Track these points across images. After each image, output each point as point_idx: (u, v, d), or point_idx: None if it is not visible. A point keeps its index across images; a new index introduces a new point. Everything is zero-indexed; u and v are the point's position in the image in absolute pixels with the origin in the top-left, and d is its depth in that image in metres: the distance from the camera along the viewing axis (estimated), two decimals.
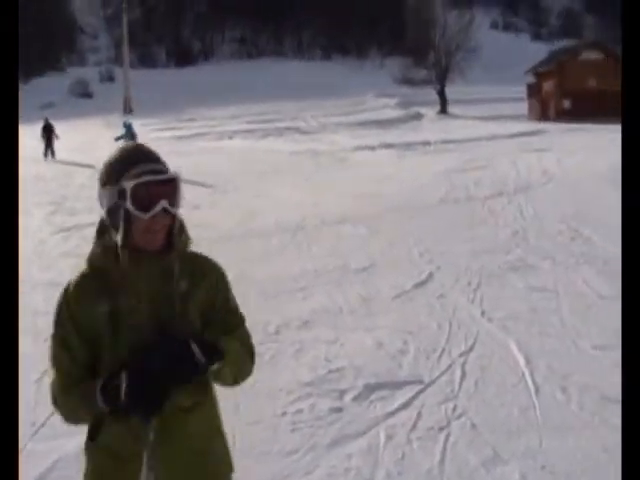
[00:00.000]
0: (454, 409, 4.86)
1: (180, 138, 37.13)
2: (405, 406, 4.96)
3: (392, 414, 4.85)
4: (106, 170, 2.07)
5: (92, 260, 2.11)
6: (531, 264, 9.47)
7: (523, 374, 5.45)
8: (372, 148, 30.51)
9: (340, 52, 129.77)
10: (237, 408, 4.83)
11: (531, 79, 57.33)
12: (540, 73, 55.16)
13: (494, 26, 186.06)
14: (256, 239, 11.60)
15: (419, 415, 4.80)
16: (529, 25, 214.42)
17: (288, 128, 43.97)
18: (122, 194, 1.97)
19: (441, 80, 59.71)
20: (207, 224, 13.16)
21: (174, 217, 2.08)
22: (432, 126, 45.22)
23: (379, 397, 5.07)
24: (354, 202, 14.93)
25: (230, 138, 38.96)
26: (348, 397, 5.09)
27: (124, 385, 1.87)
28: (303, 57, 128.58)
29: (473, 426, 4.62)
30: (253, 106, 60.60)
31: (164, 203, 1.98)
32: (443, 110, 58.18)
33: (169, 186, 2.03)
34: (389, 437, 4.51)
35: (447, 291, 8.19)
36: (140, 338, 2.01)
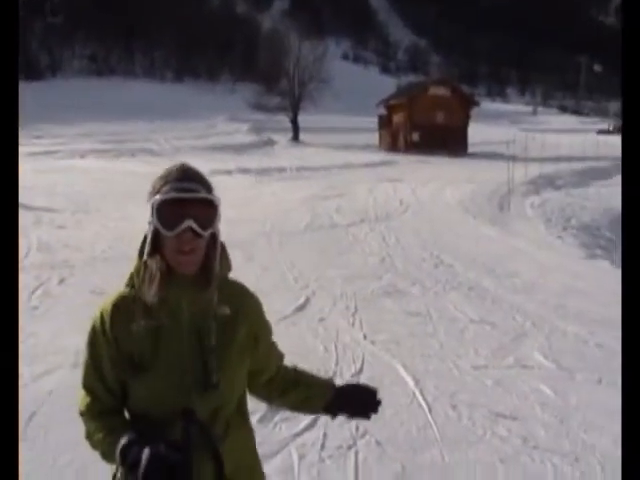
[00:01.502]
0: (357, 429, 5.08)
1: (29, 155, 35.83)
2: (310, 427, 5.12)
3: (299, 434, 5.01)
4: (151, 187, 2.07)
5: (131, 280, 2.10)
6: (402, 289, 9.89)
7: (414, 394, 5.76)
8: (229, 172, 30.59)
9: (191, 74, 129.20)
10: None
11: (382, 111, 59.02)
12: (391, 105, 56.95)
13: (345, 57, 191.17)
14: (131, 261, 11.44)
15: (325, 435, 4.99)
16: (378, 58, 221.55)
17: (141, 149, 43.31)
18: (152, 210, 1.99)
19: (294, 108, 60.50)
20: (77, 245, 12.90)
21: (213, 240, 2.09)
22: (285, 153, 45.73)
23: (283, 418, 5.20)
24: (225, 226, 14.98)
25: (82, 157, 37.98)
26: (253, 418, 5.20)
27: (142, 467, 1.83)
28: (154, 77, 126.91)
29: (378, 443, 4.86)
30: (104, 125, 59.24)
31: (190, 222, 1.95)
32: (295, 137, 58.94)
33: (198, 207, 1.99)
34: (301, 456, 4.67)
35: (327, 315, 8.43)
36: (180, 360, 2.03)
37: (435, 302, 9.20)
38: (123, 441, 1.92)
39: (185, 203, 1.97)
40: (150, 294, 2.02)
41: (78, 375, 5.35)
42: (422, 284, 10.25)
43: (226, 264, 2.19)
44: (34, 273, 10.43)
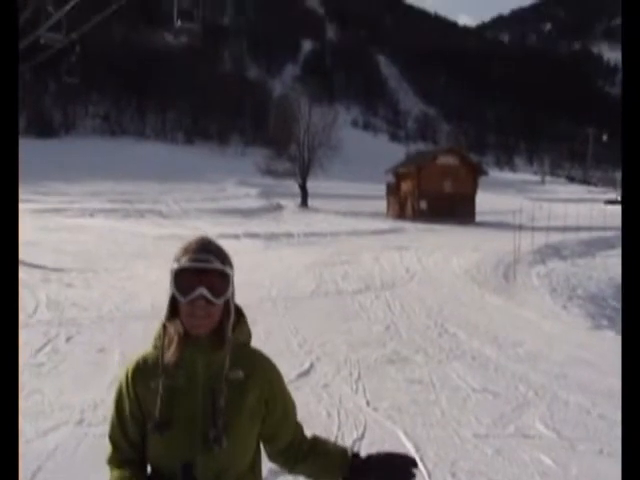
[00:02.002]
0: None
1: (36, 212, 36.26)
2: None
3: None
4: (174, 257, 2.25)
5: (155, 340, 2.28)
6: (406, 357, 9.95)
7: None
8: (237, 237, 30.87)
9: (202, 137, 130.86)
10: None
11: (390, 178, 59.56)
12: (399, 173, 57.51)
13: (354, 124, 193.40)
14: (138, 322, 11.56)
15: None
16: (387, 126, 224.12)
17: (150, 210, 43.78)
18: (170, 278, 2.18)
19: (303, 174, 61.11)
20: (85, 305, 13.04)
21: (226, 308, 2.24)
22: (294, 218, 46.09)
23: None
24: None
25: (91, 216, 38.40)
26: None
27: None
28: (165, 139, 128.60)
29: None
30: (114, 185, 59.92)
31: (202, 290, 2.12)
32: (304, 203, 59.44)
33: (211, 276, 2.16)
34: None
35: (330, 381, 8.50)
36: (192, 419, 2.18)
37: (438, 370, 9.26)
38: None
39: (199, 273, 2.15)
40: (169, 355, 2.20)
41: (82, 431, 5.47)
42: (425, 352, 10.32)
43: (245, 331, 2.36)
44: (42, 330, 10.58)
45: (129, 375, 2.27)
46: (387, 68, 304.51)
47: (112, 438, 2.33)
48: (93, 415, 6.82)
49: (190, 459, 2.14)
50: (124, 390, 2.27)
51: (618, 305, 17.56)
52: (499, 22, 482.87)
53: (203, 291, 2.13)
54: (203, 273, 2.16)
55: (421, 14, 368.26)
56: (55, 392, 7.54)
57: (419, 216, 50.00)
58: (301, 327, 11.78)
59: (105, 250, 22.90)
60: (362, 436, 6.40)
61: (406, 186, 54.96)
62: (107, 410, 6.93)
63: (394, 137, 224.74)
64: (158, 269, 18.52)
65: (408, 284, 17.99)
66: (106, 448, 2.35)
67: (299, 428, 2.51)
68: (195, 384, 2.21)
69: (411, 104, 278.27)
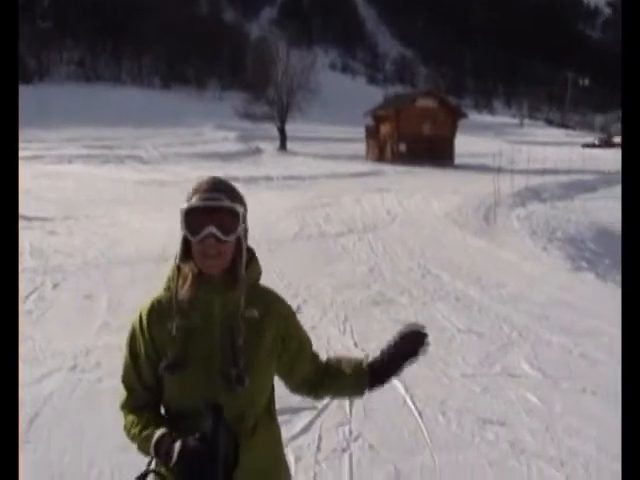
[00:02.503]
0: (350, 432, 5.25)
1: None
2: (305, 430, 5.28)
3: (295, 438, 5.16)
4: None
5: (168, 283, 2.26)
6: (391, 299, 10.05)
7: (405, 400, 5.92)
8: None
9: (179, 81, 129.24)
10: None
11: (369, 121, 59.28)
12: (378, 116, 57.21)
13: (332, 67, 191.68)
14: (123, 267, 11.59)
15: (320, 438, 5.16)
16: (365, 68, 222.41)
17: (129, 156, 43.41)
18: (180, 219, 2.15)
19: (282, 117, 60.67)
20: (69, 252, 13.00)
21: (238, 245, 2.23)
22: (273, 162, 45.91)
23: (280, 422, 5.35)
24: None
25: (70, 162, 38.01)
26: None
27: (174, 459, 2.00)
28: (142, 84, 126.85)
29: (371, 447, 5.02)
30: (90, 131, 59.24)
31: (211, 229, 2.09)
32: (283, 146, 59.14)
33: (221, 214, 2.13)
34: (298, 459, 4.82)
35: (317, 323, 8.57)
36: (210, 359, 2.18)
37: (423, 311, 9.37)
38: (157, 435, 2.12)
39: (209, 211, 2.13)
40: (183, 295, 2.19)
41: (76, 377, 5.50)
42: (410, 293, 10.42)
43: (256, 270, 2.36)
44: (28, 277, 10.54)
45: (144, 317, 2.25)
46: (365, 10, 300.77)
47: (126, 382, 2.31)
48: (85, 361, 6.87)
49: (211, 398, 2.12)
50: (138, 332, 2.26)
51: (597, 248, 17.78)
52: None
53: (212, 229, 2.11)
54: (213, 211, 2.13)
55: None
56: (46, 339, 7.57)
57: (398, 159, 49.89)
58: (286, 270, 11.80)
59: (85, 197, 22.73)
60: None
61: (385, 129, 54.72)
62: (99, 356, 7.01)
63: (372, 80, 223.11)
64: (140, 215, 18.51)
65: (390, 226, 18.08)
66: (119, 393, 2.34)
67: (315, 359, 2.56)
68: (211, 324, 2.21)
69: (389, 46, 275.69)
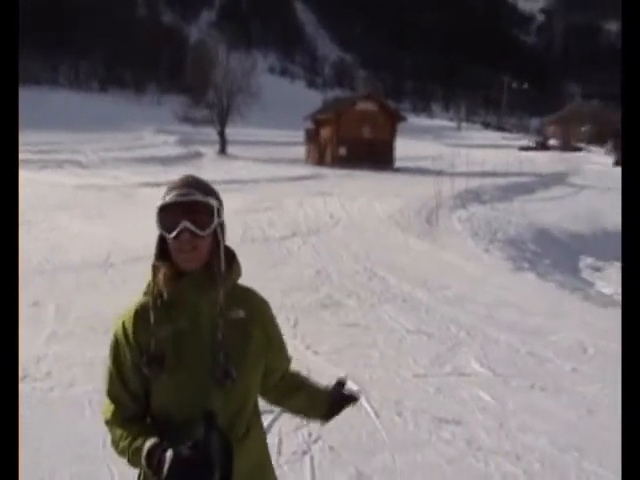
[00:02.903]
0: (309, 434, 5.28)
1: None
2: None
3: None
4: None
5: (150, 287, 2.22)
6: (339, 301, 10.12)
7: (361, 402, 5.97)
8: (158, 185, 30.43)
9: (117, 85, 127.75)
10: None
11: (309, 125, 59.31)
12: (318, 120, 57.21)
13: (271, 71, 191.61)
14: (68, 273, 11.40)
15: (280, 441, 5.17)
16: (305, 72, 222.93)
17: (67, 161, 42.68)
18: (155, 217, 2.15)
19: (222, 121, 60.37)
20: None
21: (214, 241, 2.22)
22: (213, 165, 45.62)
23: None
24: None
25: None
26: None
27: (165, 468, 1.94)
28: (79, 88, 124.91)
29: (331, 448, 5.06)
30: (27, 135, 58.00)
31: (185, 223, 2.09)
32: (223, 150, 58.84)
33: (195, 210, 2.12)
34: None
35: None
36: (201, 361, 2.16)
37: (372, 313, 9.46)
38: (148, 446, 2.05)
39: (182, 207, 2.12)
40: (165, 292, 2.17)
41: (29, 387, 5.43)
42: (358, 296, 10.50)
43: (237, 269, 2.35)
44: None
45: (128, 325, 2.20)
46: (304, 14, 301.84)
47: (112, 394, 2.24)
48: (36, 370, 6.75)
49: (204, 402, 2.12)
50: (123, 341, 2.20)
51: (537, 248, 18.17)
52: None
53: (187, 224, 2.10)
54: (187, 207, 2.13)
55: None
56: None
57: (338, 162, 49.99)
58: None
59: (25, 202, 22.24)
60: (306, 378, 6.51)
61: (325, 132, 54.78)
62: (49, 365, 6.89)
63: (311, 83, 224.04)
64: (81, 220, 18.24)
65: (333, 229, 18.15)
66: (103, 408, 2.27)
67: (289, 361, 2.60)
68: (199, 325, 2.20)
69: (328, 50, 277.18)
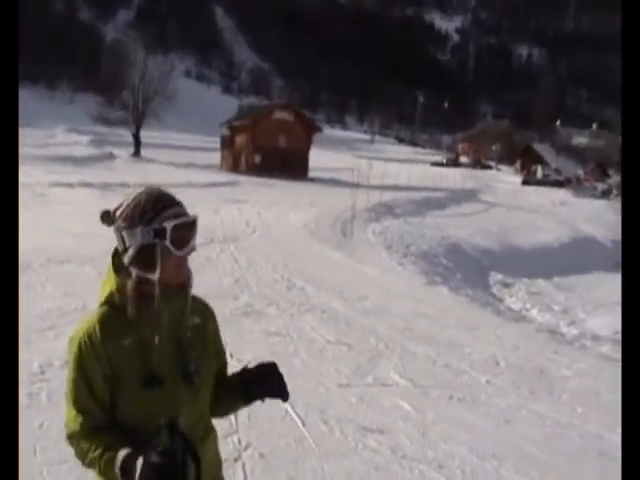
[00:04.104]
0: (239, 441, 5.35)
1: None
2: None
3: None
4: (137, 211, 2.21)
5: (114, 298, 2.23)
6: (259, 310, 10.19)
7: (287, 410, 6.07)
8: (71, 185, 30.01)
9: (28, 80, 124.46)
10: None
11: (225, 131, 59.20)
12: (234, 127, 57.19)
13: (187, 75, 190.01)
14: None
15: None
16: (221, 78, 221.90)
17: None
18: (161, 233, 2.16)
19: (137, 123, 59.63)
20: None
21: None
22: (127, 168, 45.07)
23: None
24: (74, 241, 14.85)
25: None
26: None
27: (137, 474, 1.98)
28: None
29: (262, 455, 5.14)
30: None
31: (194, 243, 2.24)
32: (137, 153, 58.14)
33: (195, 227, 2.26)
34: None
35: None
36: (168, 368, 2.22)
37: (292, 323, 9.57)
38: (121, 456, 2.06)
39: (189, 225, 2.24)
40: (135, 311, 2.20)
41: None
42: (278, 305, 10.59)
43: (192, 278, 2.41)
44: None
45: (97, 335, 2.19)
46: (223, 20, 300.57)
47: (78, 404, 2.20)
48: None
49: (172, 410, 2.19)
50: (90, 351, 2.18)
51: (449, 263, 18.65)
52: None
53: (195, 243, 2.26)
54: (191, 225, 2.24)
55: None
56: None
57: (253, 170, 50.12)
58: None
59: None
60: None
61: (241, 139, 54.80)
62: None
63: (227, 89, 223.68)
64: None
65: (250, 237, 18.22)
66: (68, 421, 2.22)
67: (226, 365, 2.63)
68: (162, 333, 2.23)
69: (245, 57, 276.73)
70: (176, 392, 2.24)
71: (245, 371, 2.45)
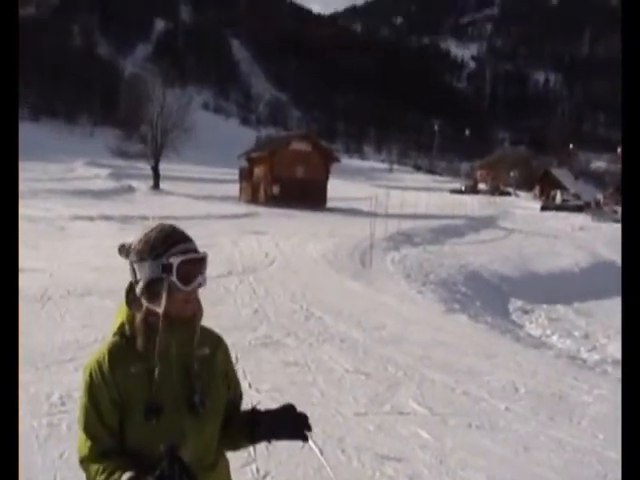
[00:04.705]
0: (257, 470, 5.38)
1: None
2: None
3: None
4: (148, 246, 2.30)
5: (124, 328, 2.33)
6: (278, 340, 10.23)
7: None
8: (91, 219, 30.28)
9: (48, 114, 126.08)
10: None
11: (243, 163, 59.52)
12: (252, 158, 57.51)
13: (205, 107, 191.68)
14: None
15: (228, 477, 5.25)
16: (238, 110, 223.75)
17: None
18: (167, 268, 2.23)
19: (155, 155, 60.14)
20: None
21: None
22: (146, 201, 45.40)
23: None
24: (94, 274, 14.98)
25: None
26: None
27: None
28: None
29: None
30: None
31: (202, 278, 2.30)
32: (156, 185, 58.57)
33: (204, 263, 2.33)
34: None
35: None
36: (174, 397, 2.30)
37: (310, 353, 9.60)
38: (125, 479, 2.14)
39: (197, 261, 2.31)
40: (144, 341, 2.29)
41: None
42: (296, 335, 10.63)
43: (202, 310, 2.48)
44: None
45: (104, 364, 2.29)
46: (240, 52, 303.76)
47: (90, 431, 2.29)
48: None
49: (178, 437, 2.22)
50: (99, 379, 2.28)
51: (468, 291, 18.60)
52: (352, 12, 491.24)
53: (202, 279, 2.32)
54: (199, 262, 2.31)
55: (276, 0, 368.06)
56: None
57: (271, 201, 50.32)
58: None
59: None
60: None
61: (259, 171, 55.10)
62: None
63: (245, 121, 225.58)
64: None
65: (269, 268, 18.26)
66: (79, 446, 2.31)
67: (242, 396, 2.70)
68: (170, 363, 2.31)
69: (263, 89, 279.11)
70: (179, 421, 2.30)
71: (253, 411, 2.51)
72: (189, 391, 2.34)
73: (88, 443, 2.28)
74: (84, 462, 2.29)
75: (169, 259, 2.25)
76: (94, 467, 2.25)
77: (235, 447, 2.68)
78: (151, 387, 2.28)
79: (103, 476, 2.21)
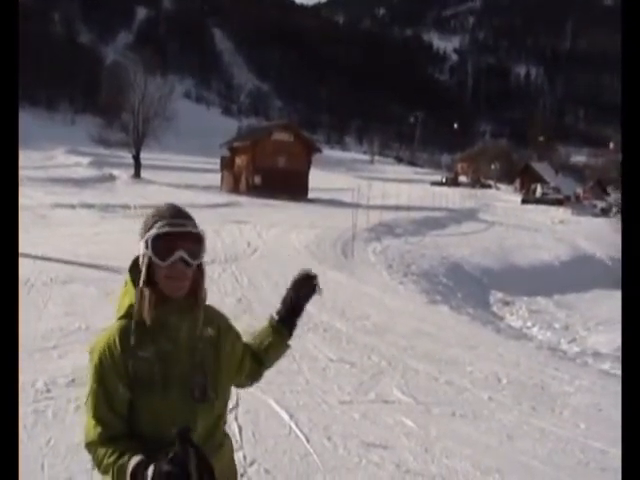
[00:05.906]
0: (244, 458, 5.40)
1: None
2: None
3: None
4: (142, 224, 2.35)
5: (128, 309, 2.32)
6: None
7: (291, 427, 6.14)
8: (72, 207, 30.11)
9: (29, 102, 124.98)
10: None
11: (225, 153, 59.33)
12: (234, 148, 57.30)
13: (187, 96, 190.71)
14: None
15: None
16: (220, 99, 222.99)
17: None
18: (147, 244, 2.27)
19: (137, 144, 59.73)
20: None
21: (199, 270, 2.37)
22: (127, 189, 45.19)
23: None
24: (76, 261, 14.92)
25: None
26: None
27: None
28: None
29: (267, 471, 5.20)
30: None
31: (181, 253, 2.24)
32: (137, 174, 58.20)
33: (188, 240, 2.29)
34: None
35: None
36: (182, 380, 2.31)
37: (295, 342, 9.57)
38: (133, 463, 2.12)
39: (177, 236, 2.28)
40: (148, 318, 2.28)
41: None
42: None
43: (205, 290, 2.49)
44: None
45: (112, 347, 2.28)
46: (222, 42, 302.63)
47: (98, 414, 2.27)
48: None
49: (189, 420, 2.23)
50: (109, 363, 2.27)
51: (449, 282, 18.71)
52: (335, 3, 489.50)
53: (182, 253, 2.26)
54: (180, 237, 2.28)
55: None
56: None
57: (253, 191, 50.17)
58: None
59: None
60: (236, 404, 6.61)
61: (241, 160, 54.90)
62: None
63: (227, 111, 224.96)
64: None
65: (251, 258, 18.23)
66: (86, 431, 2.28)
67: (249, 349, 2.75)
68: (179, 345, 2.33)
69: (245, 79, 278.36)
70: (189, 403, 2.32)
71: (271, 317, 2.88)
72: (196, 374, 2.35)
73: (97, 428, 2.26)
74: (91, 446, 2.28)
75: (147, 234, 2.29)
76: (102, 450, 2.24)
77: (276, 357, 2.91)
78: (160, 371, 2.29)
79: (112, 458, 2.20)
